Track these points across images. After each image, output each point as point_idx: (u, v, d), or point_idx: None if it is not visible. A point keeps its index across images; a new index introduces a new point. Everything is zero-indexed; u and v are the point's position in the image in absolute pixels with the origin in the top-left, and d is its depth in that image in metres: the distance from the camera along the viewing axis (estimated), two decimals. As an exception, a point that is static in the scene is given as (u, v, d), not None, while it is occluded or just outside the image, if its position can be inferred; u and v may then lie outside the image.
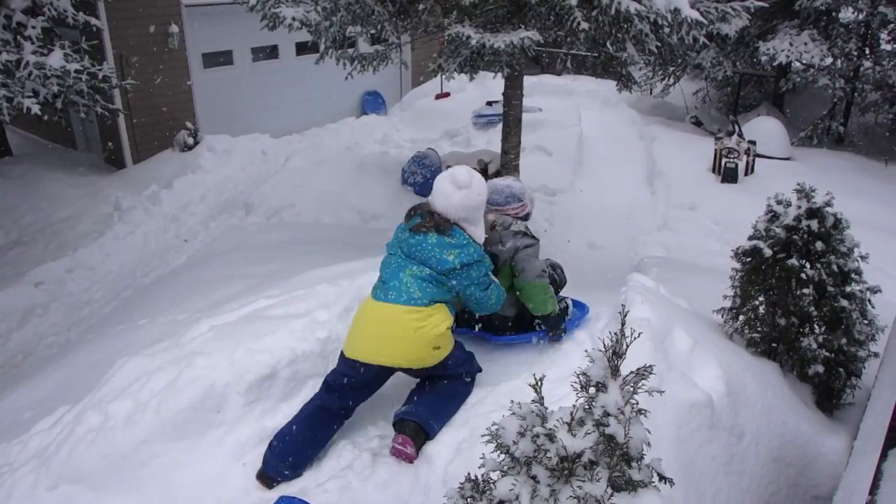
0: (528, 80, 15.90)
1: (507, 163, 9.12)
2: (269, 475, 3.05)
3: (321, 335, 3.55)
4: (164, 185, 10.53)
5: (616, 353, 2.04)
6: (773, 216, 4.49)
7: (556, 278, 4.05)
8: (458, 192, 3.50)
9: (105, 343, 4.71)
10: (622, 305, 2.16)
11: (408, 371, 3.39)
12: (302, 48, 13.52)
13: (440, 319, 3.31)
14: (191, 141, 11.77)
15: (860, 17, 13.89)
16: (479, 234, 3.54)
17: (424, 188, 9.99)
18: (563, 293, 4.10)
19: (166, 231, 9.55)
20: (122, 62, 11.15)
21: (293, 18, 7.40)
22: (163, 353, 3.40)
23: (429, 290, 3.34)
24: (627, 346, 2.01)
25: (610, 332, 2.05)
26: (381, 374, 3.33)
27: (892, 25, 13.84)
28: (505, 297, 3.65)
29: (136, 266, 8.66)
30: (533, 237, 3.86)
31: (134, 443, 2.88)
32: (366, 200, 9.72)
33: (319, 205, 9.59)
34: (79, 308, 7.77)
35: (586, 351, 2.09)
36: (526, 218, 4.07)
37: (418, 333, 3.25)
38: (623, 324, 2.02)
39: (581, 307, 4.14)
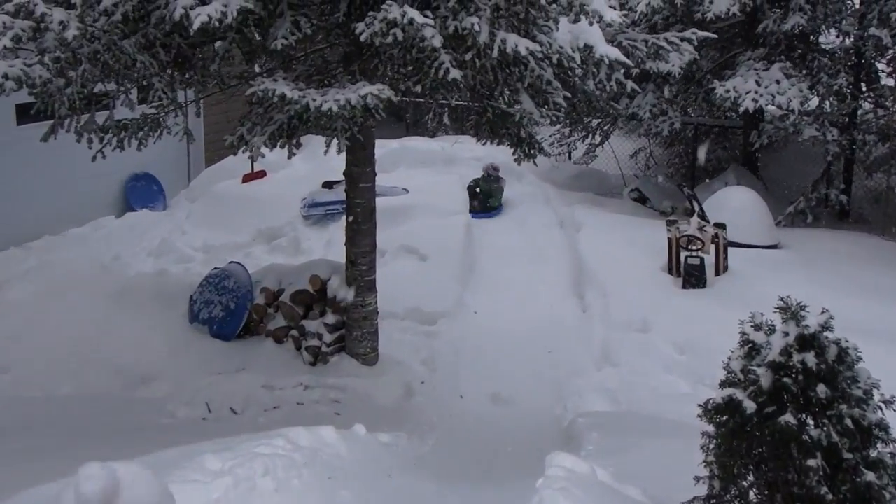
0: (387, 147, 16.27)
1: (358, 277, 9.15)
2: None
3: None
4: None
5: None
6: (752, 349, 4.62)
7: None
8: None
9: None
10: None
11: None
12: (27, 113, 13.19)
13: None
14: None
15: (847, 41, 15.11)
16: None
17: (226, 327, 9.81)
18: None
19: None
20: None
21: (5, 76, 7.25)
22: None
23: None
24: None
25: None
26: None
27: (891, 52, 15.10)
28: None
29: None
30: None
31: None
32: (131, 352, 9.41)
33: (53, 363, 9.18)
34: None
35: None
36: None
37: None
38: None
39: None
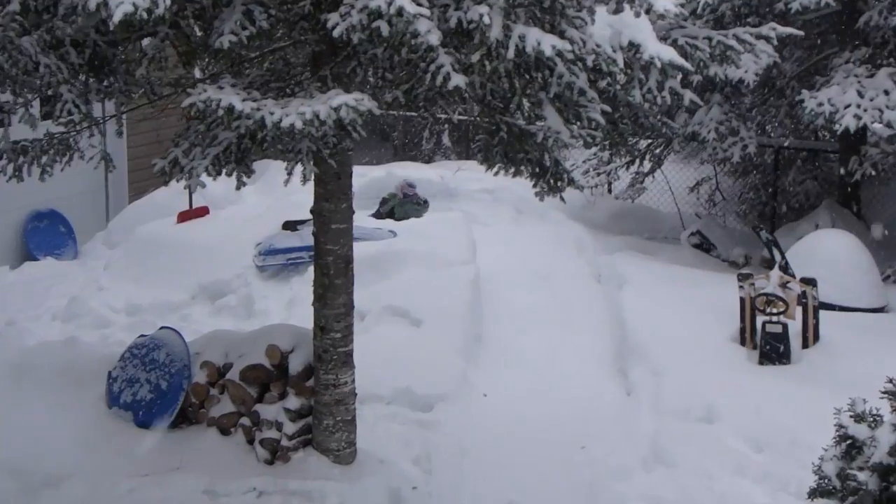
0: (369, 176, 16.28)
1: (329, 348, 9.08)
2: None
3: None
4: None
5: None
6: (852, 446, 4.59)
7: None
8: None
9: None
10: None
11: None
12: None
13: None
14: None
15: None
16: None
17: (154, 413, 9.73)
18: None
19: None
20: None
21: None
22: None
23: None
24: None
25: None
26: None
27: None
28: None
29: None
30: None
31: None
32: (30, 447, 9.29)
33: (-76, 463, 9.06)
34: None
35: None
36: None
37: None
38: None
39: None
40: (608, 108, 7.63)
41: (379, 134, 18.38)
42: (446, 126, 11.70)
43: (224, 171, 7.57)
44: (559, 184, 8.95)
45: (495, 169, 8.97)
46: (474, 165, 15.87)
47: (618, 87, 7.76)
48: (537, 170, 8.81)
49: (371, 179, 16.07)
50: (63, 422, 9.74)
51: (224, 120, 6.70)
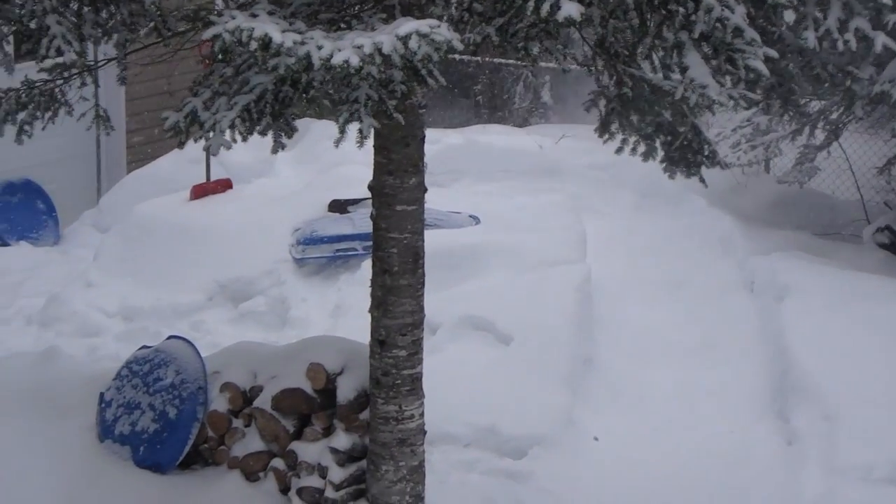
0: (443, 142, 16.14)
1: (391, 371, 9.00)
2: None
3: None
4: None
5: None
6: None
7: None
8: None
9: None
10: None
11: None
12: None
13: None
14: None
15: None
16: None
17: (159, 449, 9.78)
18: None
19: None
20: None
21: None
22: None
23: None
24: None
25: None
26: None
27: None
28: None
29: None
30: None
31: None
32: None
33: None
34: None
35: None
36: None
37: None
38: None
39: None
40: (774, 53, 7.45)
41: (456, 86, 18.25)
42: (548, 78, 11.47)
43: (256, 128, 7.51)
44: (697, 158, 8.81)
45: (617, 142, 8.75)
46: (584, 132, 15.80)
47: (785, 25, 7.64)
48: (669, 138, 8.69)
49: (445, 147, 15.91)
50: (39, 460, 9.77)
51: (258, 58, 6.65)
